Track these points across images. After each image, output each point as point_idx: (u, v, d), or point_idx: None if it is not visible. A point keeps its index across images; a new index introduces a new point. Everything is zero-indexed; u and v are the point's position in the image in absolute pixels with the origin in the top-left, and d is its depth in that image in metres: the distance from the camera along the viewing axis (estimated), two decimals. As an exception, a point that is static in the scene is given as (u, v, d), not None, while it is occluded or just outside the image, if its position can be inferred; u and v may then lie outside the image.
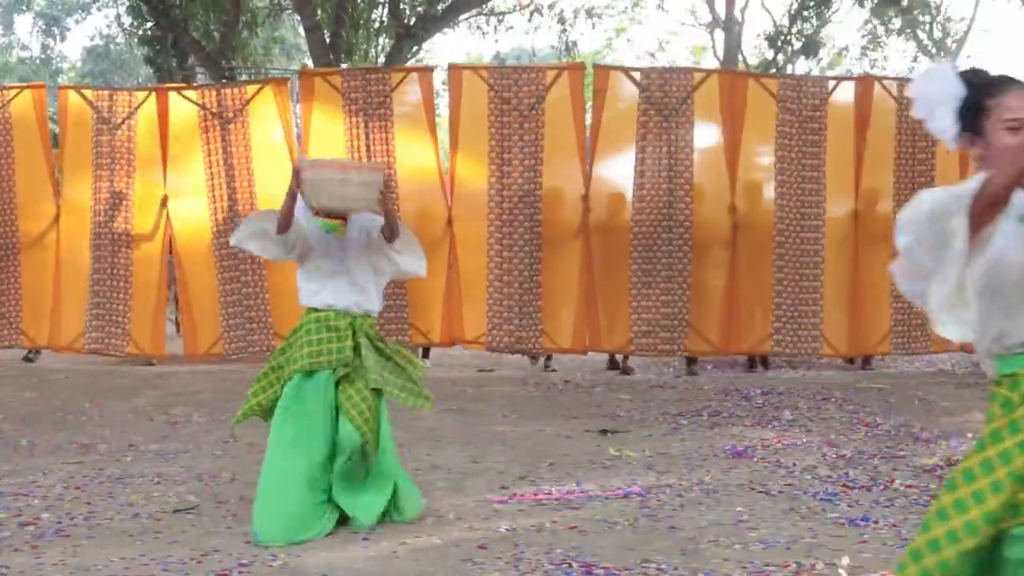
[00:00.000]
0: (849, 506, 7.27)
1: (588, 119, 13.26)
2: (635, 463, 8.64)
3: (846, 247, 13.19)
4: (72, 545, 6.33)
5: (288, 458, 6.28)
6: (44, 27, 51.14)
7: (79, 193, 14.23)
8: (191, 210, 13.81)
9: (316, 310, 6.43)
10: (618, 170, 13.28)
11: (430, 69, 13.23)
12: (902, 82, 13.28)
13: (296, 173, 6.18)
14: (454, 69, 13.16)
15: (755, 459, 8.84)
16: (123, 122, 13.74)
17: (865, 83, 13.38)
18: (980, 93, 3.28)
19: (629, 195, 13.09)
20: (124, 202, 13.81)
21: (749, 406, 11.26)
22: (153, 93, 14.41)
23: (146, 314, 13.95)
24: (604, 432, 9.54)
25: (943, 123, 3.36)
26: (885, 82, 13.53)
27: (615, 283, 12.93)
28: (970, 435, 9.52)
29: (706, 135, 13.08)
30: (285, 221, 6.35)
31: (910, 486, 7.81)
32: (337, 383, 6.42)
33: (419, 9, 26.09)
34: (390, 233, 6.59)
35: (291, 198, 6.27)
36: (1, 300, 14.36)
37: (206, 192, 13.60)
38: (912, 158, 13.20)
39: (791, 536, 6.49)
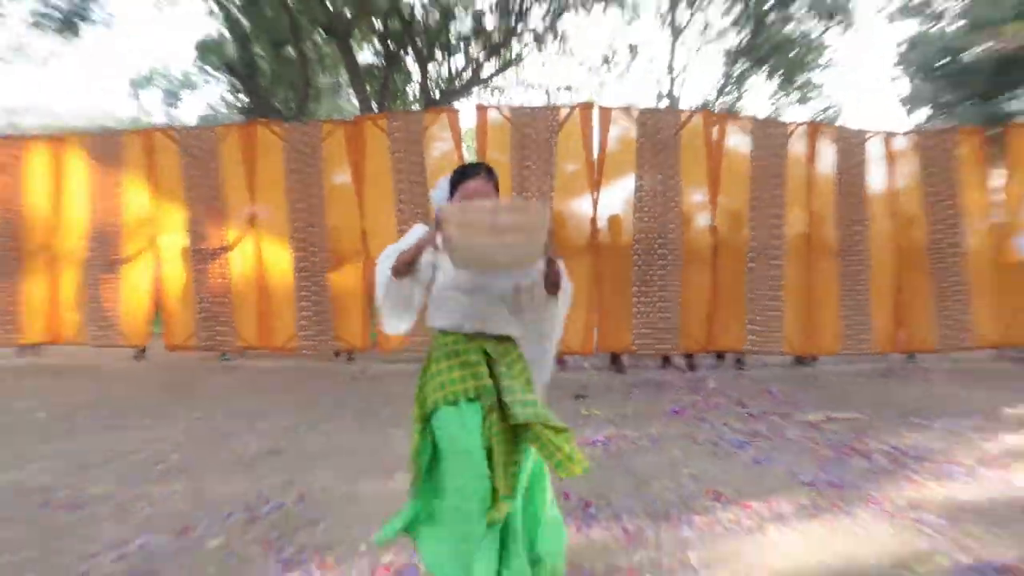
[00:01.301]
0: (755, 451, 7.63)
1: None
2: (601, 420, 8.92)
3: (801, 262, 12.85)
4: (195, 477, 6.78)
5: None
6: (166, 100, 50.95)
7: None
8: (273, 223, 13.34)
9: (446, 333, 4.12)
10: (620, 196, 12.71)
11: (456, 111, 12.92)
12: (835, 129, 13.10)
13: (438, 225, 3.86)
14: (480, 108, 12.64)
15: (688, 416, 9.10)
16: (210, 153, 13.41)
17: (811, 129, 13.08)
18: None
19: (630, 218, 12.61)
20: (213, 219, 13.42)
21: (683, 379, 11.43)
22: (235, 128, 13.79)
23: (250, 312, 13.45)
24: (578, 397, 9.73)
25: None
26: (825, 128, 13.21)
27: (619, 293, 12.44)
28: (844, 403, 9.64)
29: (691, 167, 12.63)
30: (405, 269, 4.03)
31: (799, 437, 8.18)
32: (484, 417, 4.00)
33: (442, 86, 26.57)
34: (552, 278, 4.15)
35: (418, 251, 4.01)
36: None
37: (287, 214, 13.17)
38: (848, 191, 12.93)
39: (713, 473, 6.93)
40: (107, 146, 13.86)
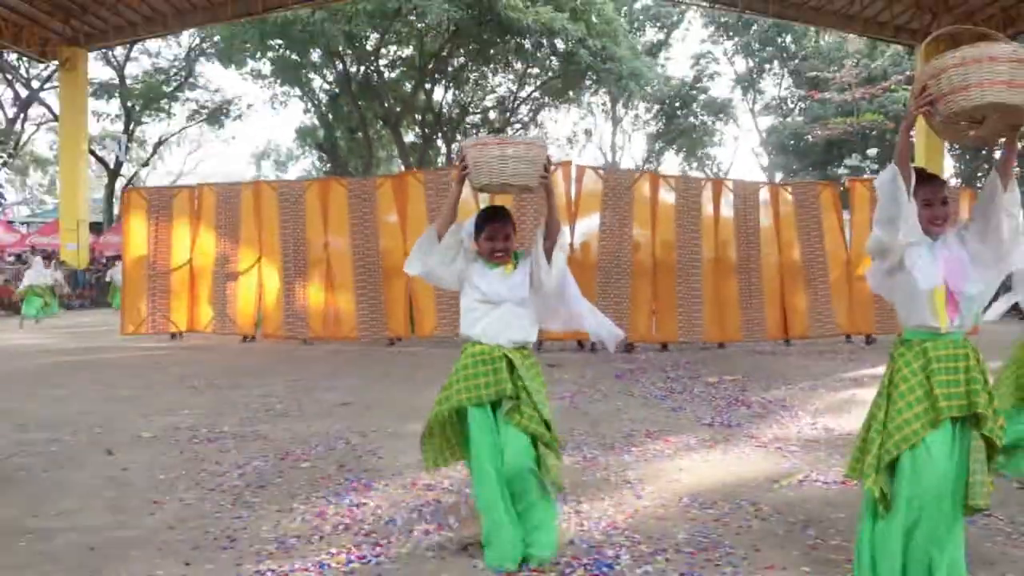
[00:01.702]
0: (672, 401, 7.65)
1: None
2: (567, 380, 8.94)
3: (712, 277, 12.40)
4: (291, 420, 6.78)
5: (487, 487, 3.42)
6: (276, 167, 51.00)
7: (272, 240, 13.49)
8: (341, 248, 13.02)
9: (474, 343, 3.49)
10: (589, 228, 12.39)
11: None
12: (734, 182, 13.02)
13: (460, 155, 3.49)
14: None
15: (626, 378, 9.15)
16: (299, 199, 13.23)
17: (716, 183, 12.98)
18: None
19: (596, 244, 12.23)
20: (299, 245, 13.17)
21: (622, 356, 11.28)
22: (316, 182, 13.96)
23: (322, 310, 13.16)
24: (551, 365, 9.62)
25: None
26: (727, 183, 13.12)
27: (586, 297, 11.76)
28: (733, 370, 9.64)
29: (640, 208, 12.31)
30: (449, 213, 3.54)
31: (702, 392, 8.21)
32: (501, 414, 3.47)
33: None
34: (550, 220, 3.55)
35: (457, 186, 3.53)
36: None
37: (350, 242, 12.99)
38: (745, 228, 12.60)
39: (644, 417, 6.94)
40: (229, 193, 13.89)
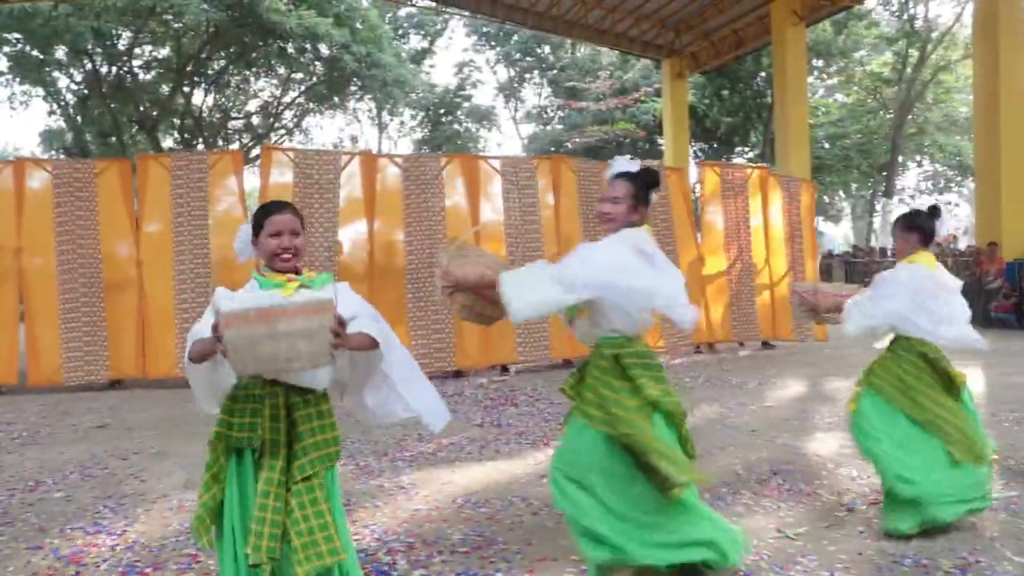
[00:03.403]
0: (495, 417, 7.26)
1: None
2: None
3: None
4: (41, 447, 6.24)
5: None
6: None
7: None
8: (42, 258, 9.67)
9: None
10: (393, 228, 9.89)
11: (240, 152, 10.03)
12: (509, 159, 11.02)
13: (215, 330, 2.25)
14: (266, 148, 9.98)
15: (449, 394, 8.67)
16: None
17: (557, 161, 10.91)
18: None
19: (402, 246, 9.83)
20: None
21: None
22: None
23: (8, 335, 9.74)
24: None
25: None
26: (490, 160, 10.56)
27: (394, 312, 9.34)
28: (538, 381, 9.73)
29: (453, 200, 10.10)
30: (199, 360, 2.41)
31: (472, 394, 8.39)
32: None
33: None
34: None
35: (202, 357, 2.37)
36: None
37: (54, 244, 9.63)
38: (520, 217, 10.27)
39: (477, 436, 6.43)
40: None
